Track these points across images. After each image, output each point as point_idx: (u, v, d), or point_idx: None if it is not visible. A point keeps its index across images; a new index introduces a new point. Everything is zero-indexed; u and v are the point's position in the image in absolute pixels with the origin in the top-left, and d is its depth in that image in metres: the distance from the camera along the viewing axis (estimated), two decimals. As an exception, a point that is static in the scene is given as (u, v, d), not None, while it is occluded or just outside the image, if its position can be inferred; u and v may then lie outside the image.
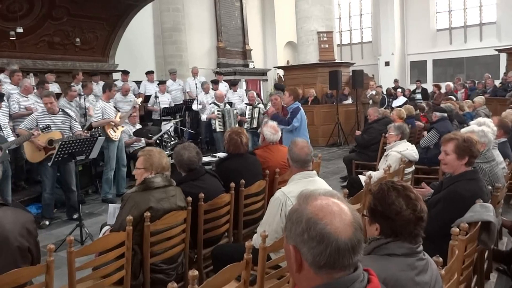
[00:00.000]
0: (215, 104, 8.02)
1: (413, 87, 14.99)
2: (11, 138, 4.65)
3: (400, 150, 4.45)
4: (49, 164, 4.63)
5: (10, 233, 2.07)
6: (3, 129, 4.56)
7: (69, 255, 2.20)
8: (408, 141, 4.85)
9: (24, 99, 6.04)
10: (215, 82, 9.65)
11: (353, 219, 1.04)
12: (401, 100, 11.81)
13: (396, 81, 14.83)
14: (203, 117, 8.23)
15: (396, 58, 18.84)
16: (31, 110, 5.81)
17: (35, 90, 6.42)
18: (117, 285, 2.51)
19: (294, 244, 1.05)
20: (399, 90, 12.87)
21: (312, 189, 1.14)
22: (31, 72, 7.73)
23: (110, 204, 3.23)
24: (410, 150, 4.54)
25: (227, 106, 8.13)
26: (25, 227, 2.16)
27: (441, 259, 1.71)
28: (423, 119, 7.93)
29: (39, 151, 4.90)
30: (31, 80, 6.87)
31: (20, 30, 7.58)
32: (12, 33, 7.57)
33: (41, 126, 4.79)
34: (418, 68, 19.05)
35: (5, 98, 5.82)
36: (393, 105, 11.13)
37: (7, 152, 4.55)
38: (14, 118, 5.85)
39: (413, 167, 4.72)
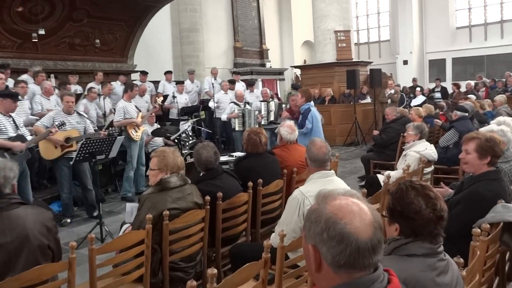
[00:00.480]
0: (235, 103, 8.08)
1: (431, 85, 14.77)
2: (29, 137, 4.74)
3: (419, 150, 4.40)
4: (71, 163, 4.73)
5: (31, 231, 2.13)
6: (20, 129, 4.64)
7: (90, 252, 2.24)
8: (427, 140, 4.78)
9: (46, 100, 6.18)
10: (232, 82, 9.70)
11: (373, 219, 1.04)
12: (420, 99, 11.63)
13: (414, 79, 14.61)
14: (223, 116, 8.27)
15: (415, 56, 18.58)
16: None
17: (56, 91, 6.57)
18: (137, 283, 2.55)
19: (313, 244, 1.05)
20: (418, 89, 12.67)
21: (331, 189, 1.13)
22: (52, 73, 7.90)
23: (127, 204, 3.28)
24: (429, 149, 4.48)
25: (248, 106, 8.18)
26: (44, 225, 2.22)
27: (462, 260, 1.68)
28: (442, 118, 7.81)
29: (55, 148, 4.98)
30: (51, 82, 7.02)
31: (42, 32, 7.76)
32: (35, 35, 7.76)
33: (56, 123, 4.88)
34: (437, 67, 18.74)
35: (26, 97, 5.97)
36: (412, 104, 10.97)
37: (28, 151, 4.65)
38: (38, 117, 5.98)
39: (432, 167, 4.65)
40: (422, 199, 1.60)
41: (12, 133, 4.49)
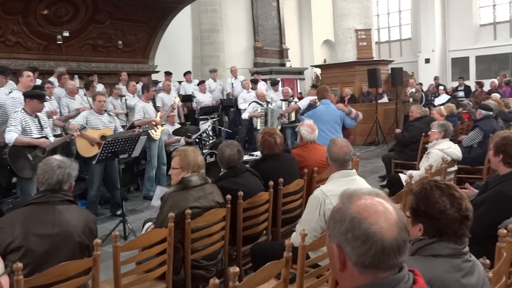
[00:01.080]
0: (257, 103, 8.12)
1: (454, 84, 14.46)
2: (52, 138, 4.86)
3: (443, 148, 4.32)
4: (94, 162, 4.84)
5: (74, 229, 2.23)
6: (44, 129, 4.73)
7: (114, 249, 2.28)
8: (450, 140, 4.69)
9: (71, 101, 6.32)
10: (255, 82, 9.73)
11: (398, 219, 1.03)
12: (444, 98, 11.42)
13: (436, 78, 14.34)
14: (245, 115, 8.33)
15: (437, 55, 18.23)
16: (81, 110, 6.06)
17: (81, 92, 6.74)
18: (160, 280, 2.58)
19: (337, 243, 1.05)
20: (441, 87, 12.43)
21: (356, 188, 1.13)
22: (76, 74, 8.10)
23: (158, 186, 3.34)
24: (453, 148, 4.40)
25: (270, 105, 8.21)
26: (88, 226, 2.32)
27: (488, 261, 1.65)
28: (465, 117, 7.65)
29: (92, 146, 5.13)
30: (75, 82, 7.19)
31: (66, 34, 7.94)
32: (59, 37, 7.95)
33: (77, 125, 5.02)
34: (460, 65, 18.34)
35: (53, 98, 6.12)
36: (436, 103, 10.77)
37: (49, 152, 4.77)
38: (67, 119, 6.13)
39: (456, 167, 4.57)
40: (446, 198, 1.57)
41: (36, 134, 4.59)
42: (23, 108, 4.60)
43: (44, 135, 4.69)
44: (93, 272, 2.17)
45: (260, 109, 7.89)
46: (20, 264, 1.83)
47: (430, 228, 1.57)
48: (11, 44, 7.75)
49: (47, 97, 5.34)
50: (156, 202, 3.00)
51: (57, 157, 2.42)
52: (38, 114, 4.73)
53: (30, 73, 5.27)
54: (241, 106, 9.05)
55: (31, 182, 4.38)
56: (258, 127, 7.83)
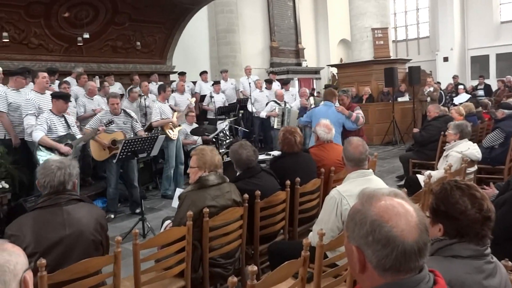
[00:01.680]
0: (275, 102, 8.16)
1: (474, 83, 14.18)
2: (79, 136, 5.00)
3: (461, 150, 4.24)
4: (114, 161, 4.93)
5: (86, 227, 2.25)
6: (71, 128, 4.89)
7: (134, 247, 2.31)
8: (470, 139, 4.61)
9: (89, 101, 6.43)
10: (269, 82, 9.75)
11: (418, 221, 1.02)
12: (464, 97, 11.20)
13: (455, 77, 14.10)
14: (262, 113, 8.37)
15: (456, 53, 17.90)
16: (97, 111, 6.19)
17: (99, 92, 6.86)
18: (178, 277, 2.62)
19: (357, 245, 1.04)
20: (461, 86, 12.21)
21: (375, 188, 1.12)
22: (96, 74, 8.25)
23: (178, 188, 3.40)
24: (472, 149, 4.31)
25: (287, 105, 8.23)
26: (98, 222, 2.34)
27: (510, 263, 1.63)
28: (486, 116, 7.49)
29: (103, 150, 5.23)
30: (96, 83, 7.32)
31: (86, 35, 8.09)
32: (80, 39, 8.11)
33: (104, 121, 5.13)
34: (479, 63, 17.96)
35: (72, 99, 6.26)
36: (456, 102, 10.59)
37: (77, 149, 4.91)
38: (80, 120, 6.26)
39: (476, 167, 4.49)
40: (467, 199, 1.56)
41: (62, 133, 4.75)
42: (50, 109, 4.77)
43: (71, 133, 4.84)
44: (114, 269, 2.20)
45: (277, 109, 7.93)
46: (43, 261, 1.87)
47: (450, 229, 1.56)
48: (33, 46, 7.94)
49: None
50: (176, 203, 3.05)
51: (55, 157, 2.41)
52: (65, 114, 4.88)
53: (45, 74, 5.39)
54: (249, 107, 9.09)
55: None
56: (275, 127, 7.88)
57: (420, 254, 1.00)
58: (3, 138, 5.24)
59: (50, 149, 4.63)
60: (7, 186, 4.37)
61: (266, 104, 8.64)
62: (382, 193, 1.08)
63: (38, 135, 4.55)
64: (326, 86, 10.04)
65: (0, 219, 4.16)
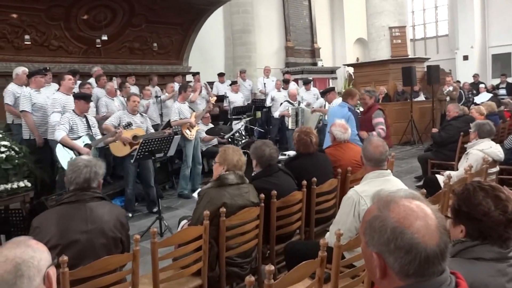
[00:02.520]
0: (289, 102, 8.16)
1: (495, 82, 13.87)
2: (99, 136, 5.10)
3: (483, 148, 4.16)
4: (132, 161, 5.01)
5: (107, 224, 2.32)
6: (92, 128, 4.99)
7: (152, 245, 2.35)
8: (492, 139, 4.51)
9: (110, 101, 6.56)
10: (286, 82, 9.76)
11: (438, 223, 1.01)
12: (485, 96, 10.97)
13: (475, 76, 13.83)
14: (276, 113, 8.40)
15: (476, 51, 17.53)
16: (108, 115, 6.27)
17: (119, 92, 6.97)
18: (195, 276, 2.64)
19: (377, 252, 1.03)
20: (482, 85, 11.96)
21: (391, 190, 1.10)
22: (114, 75, 8.38)
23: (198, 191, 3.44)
24: (494, 148, 4.23)
25: (301, 105, 8.22)
26: (119, 220, 2.41)
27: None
28: (507, 115, 7.33)
29: (124, 145, 5.31)
30: (114, 83, 7.44)
31: (104, 37, 8.22)
32: (98, 40, 8.24)
33: (123, 123, 5.23)
34: (501, 62, 17.54)
35: (92, 99, 6.37)
36: (477, 101, 10.38)
37: (96, 150, 5.00)
38: (100, 119, 6.38)
39: (498, 167, 4.39)
40: (491, 200, 1.53)
41: (82, 133, 4.86)
42: (73, 110, 4.90)
43: (90, 133, 4.94)
44: (133, 266, 2.24)
45: (291, 109, 7.91)
46: (65, 257, 1.92)
47: (472, 230, 1.53)
48: (54, 48, 8.12)
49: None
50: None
51: (84, 157, 2.51)
52: (86, 114, 4.99)
53: (71, 76, 5.57)
54: (268, 102, 9.19)
55: None
56: (290, 127, 7.87)
57: (443, 257, 1.00)
58: (28, 138, 5.42)
59: (71, 148, 4.73)
60: (29, 184, 4.48)
61: (280, 105, 8.66)
62: (399, 196, 1.06)
63: (60, 134, 4.68)
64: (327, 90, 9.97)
65: (23, 216, 4.27)
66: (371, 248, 1.04)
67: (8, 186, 4.30)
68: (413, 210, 1.02)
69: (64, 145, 4.70)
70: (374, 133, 5.13)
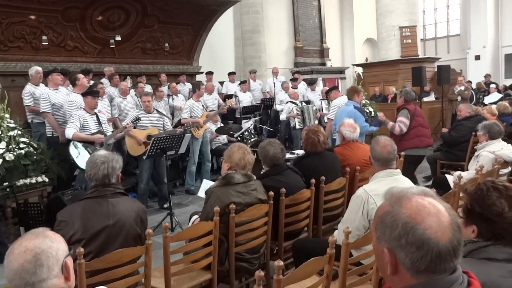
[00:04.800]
0: (292, 102, 8.18)
1: (508, 82, 13.72)
2: (109, 133, 5.19)
3: (494, 150, 4.12)
4: (144, 157, 5.11)
5: (128, 220, 2.39)
6: (102, 125, 5.09)
7: (164, 239, 2.40)
8: (503, 140, 4.48)
9: (123, 100, 6.66)
10: (294, 80, 9.79)
11: (451, 220, 1.00)
12: (495, 96, 10.86)
13: (487, 76, 13.69)
14: (282, 116, 8.42)
15: (488, 51, 17.34)
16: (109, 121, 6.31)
17: (131, 92, 7.08)
18: (205, 270, 2.70)
19: (388, 247, 1.02)
20: (493, 85, 11.85)
21: (403, 187, 1.09)
22: (127, 75, 8.52)
23: (205, 179, 3.49)
24: (505, 149, 4.17)
25: (304, 103, 8.25)
26: (139, 216, 2.47)
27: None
28: (520, 116, 7.25)
29: (139, 145, 5.42)
30: (127, 83, 7.56)
31: (118, 38, 8.38)
32: (112, 41, 8.40)
33: (131, 118, 5.32)
34: (514, 61, 17.39)
35: (105, 97, 6.48)
36: (486, 102, 10.29)
37: (109, 146, 5.10)
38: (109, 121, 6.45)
39: (510, 168, 4.34)
40: (505, 201, 1.52)
41: (94, 130, 4.96)
42: (83, 108, 5.01)
43: (102, 130, 5.04)
44: (145, 259, 2.30)
45: (295, 109, 7.93)
46: (82, 249, 2.01)
47: (485, 231, 1.52)
48: (70, 48, 8.32)
49: (99, 98, 5.68)
50: (202, 193, 3.14)
51: (101, 152, 2.54)
52: (96, 112, 5.08)
53: (82, 75, 5.67)
54: (278, 107, 9.14)
55: None
56: (297, 127, 7.87)
57: (455, 254, 0.98)
58: (51, 135, 5.59)
59: (86, 144, 4.83)
60: (47, 179, 4.64)
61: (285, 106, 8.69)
62: (411, 192, 1.05)
63: (70, 132, 4.78)
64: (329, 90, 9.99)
65: (41, 210, 4.39)
66: (383, 244, 1.03)
67: (27, 180, 4.46)
68: (425, 206, 1.01)
69: (76, 141, 4.79)
70: (391, 123, 5.42)
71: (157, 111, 5.73)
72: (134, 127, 5.41)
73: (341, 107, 5.64)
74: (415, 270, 0.99)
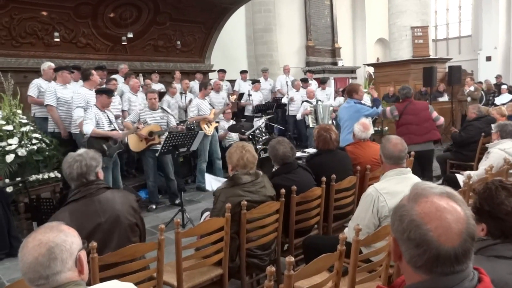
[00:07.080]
0: (307, 101, 8.23)
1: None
2: (121, 131, 5.27)
3: (504, 148, 4.13)
4: (156, 155, 5.17)
5: (120, 212, 2.37)
6: (112, 123, 5.15)
7: (176, 235, 2.43)
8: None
9: (134, 96, 6.73)
10: (305, 80, 9.80)
11: (464, 229, 0.99)
12: (506, 97, 10.76)
13: (498, 77, 13.51)
14: (298, 115, 8.47)
15: (500, 52, 17.15)
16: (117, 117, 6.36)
17: (141, 89, 7.16)
18: (216, 266, 2.74)
19: (394, 237, 1.07)
20: (504, 86, 11.73)
21: (428, 185, 1.08)
22: (140, 72, 8.59)
23: (207, 174, 3.49)
24: (515, 148, 4.19)
25: (319, 102, 8.29)
26: (131, 206, 2.46)
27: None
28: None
29: (141, 141, 5.47)
30: (140, 80, 7.63)
31: (130, 35, 8.42)
32: (124, 38, 8.46)
33: (142, 120, 5.39)
34: (527, 63, 17.17)
35: (116, 93, 6.55)
36: (497, 103, 10.20)
37: (121, 144, 5.17)
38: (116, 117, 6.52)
39: (519, 168, 4.35)
40: None
41: (106, 127, 5.02)
42: (95, 104, 5.04)
43: (114, 128, 5.10)
44: (158, 254, 2.34)
45: (309, 107, 7.98)
46: (95, 243, 2.02)
47: (494, 229, 1.54)
48: (82, 45, 8.37)
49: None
50: (209, 185, 3.16)
51: (80, 151, 2.44)
52: (106, 110, 5.14)
53: (95, 72, 5.73)
54: (284, 100, 9.28)
55: (107, 171, 4.85)
56: (311, 125, 7.91)
57: (457, 261, 0.98)
58: (52, 131, 5.61)
59: (101, 140, 4.88)
60: (59, 175, 4.70)
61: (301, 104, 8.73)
62: (432, 192, 1.04)
63: (89, 128, 4.80)
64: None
65: (53, 205, 4.47)
66: (392, 233, 1.08)
67: (40, 176, 4.53)
68: (439, 208, 1.00)
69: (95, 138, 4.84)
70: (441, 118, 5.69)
71: (162, 108, 5.78)
72: None
73: (342, 107, 5.62)
74: (412, 264, 1.02)
